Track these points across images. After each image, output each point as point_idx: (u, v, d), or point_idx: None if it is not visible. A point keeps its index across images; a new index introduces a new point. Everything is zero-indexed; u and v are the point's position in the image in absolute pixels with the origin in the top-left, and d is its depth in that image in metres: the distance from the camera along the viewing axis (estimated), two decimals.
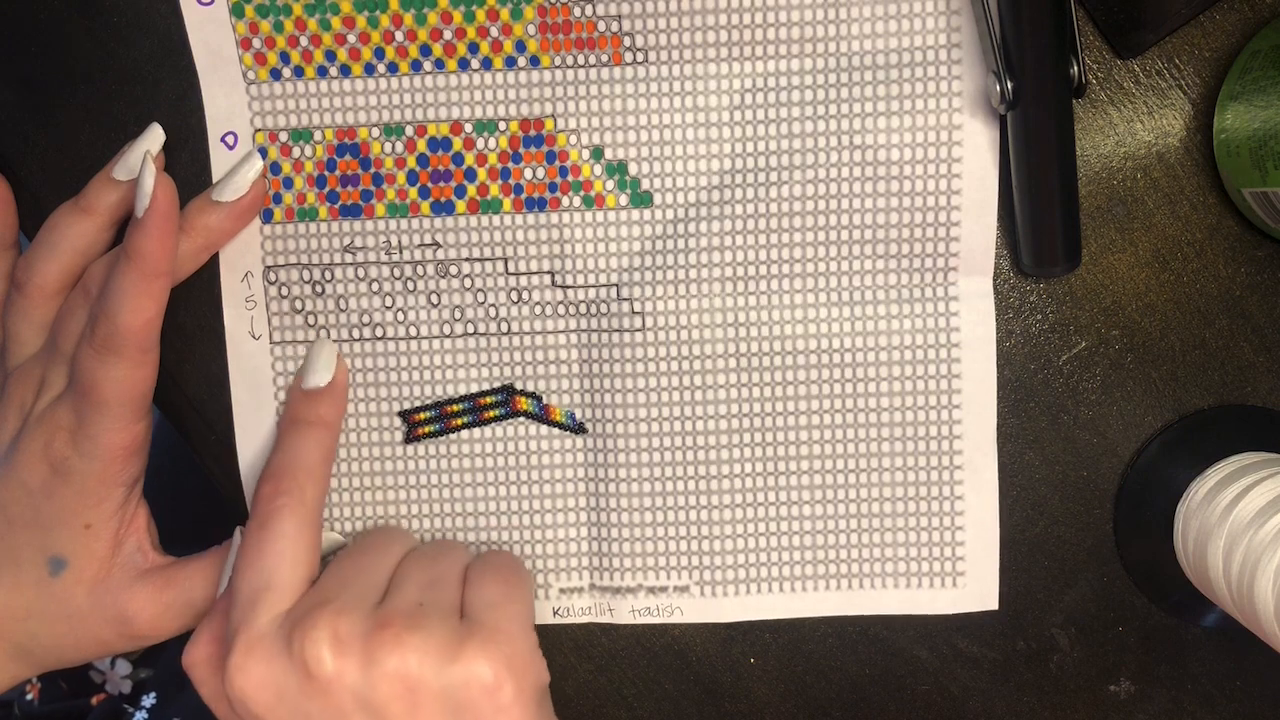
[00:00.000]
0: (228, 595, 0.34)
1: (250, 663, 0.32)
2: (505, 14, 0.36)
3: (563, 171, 0.37)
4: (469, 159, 0.37)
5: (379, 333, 0.38)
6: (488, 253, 0.38)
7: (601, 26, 0.36)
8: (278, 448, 0.36)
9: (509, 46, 0.36)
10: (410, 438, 0.39)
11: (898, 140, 0.36)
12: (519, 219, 0.37)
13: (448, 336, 0.38)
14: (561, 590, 0.39)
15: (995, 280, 0.37)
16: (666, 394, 0.38)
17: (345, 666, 0.31)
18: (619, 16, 0.36)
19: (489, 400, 0.39)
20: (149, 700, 0.59)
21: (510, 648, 0.32)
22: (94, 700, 0.60)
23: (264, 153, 0.37)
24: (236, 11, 0.36)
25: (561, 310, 0.38)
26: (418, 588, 0.34)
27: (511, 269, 0.38)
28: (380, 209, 0.38)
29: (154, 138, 0.36)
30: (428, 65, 0.37)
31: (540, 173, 0.37)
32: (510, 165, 0.37)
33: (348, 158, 0.37)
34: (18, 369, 0.37)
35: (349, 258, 0.38)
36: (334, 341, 0.38)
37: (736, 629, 0.40)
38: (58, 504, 0.36)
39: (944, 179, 0.36)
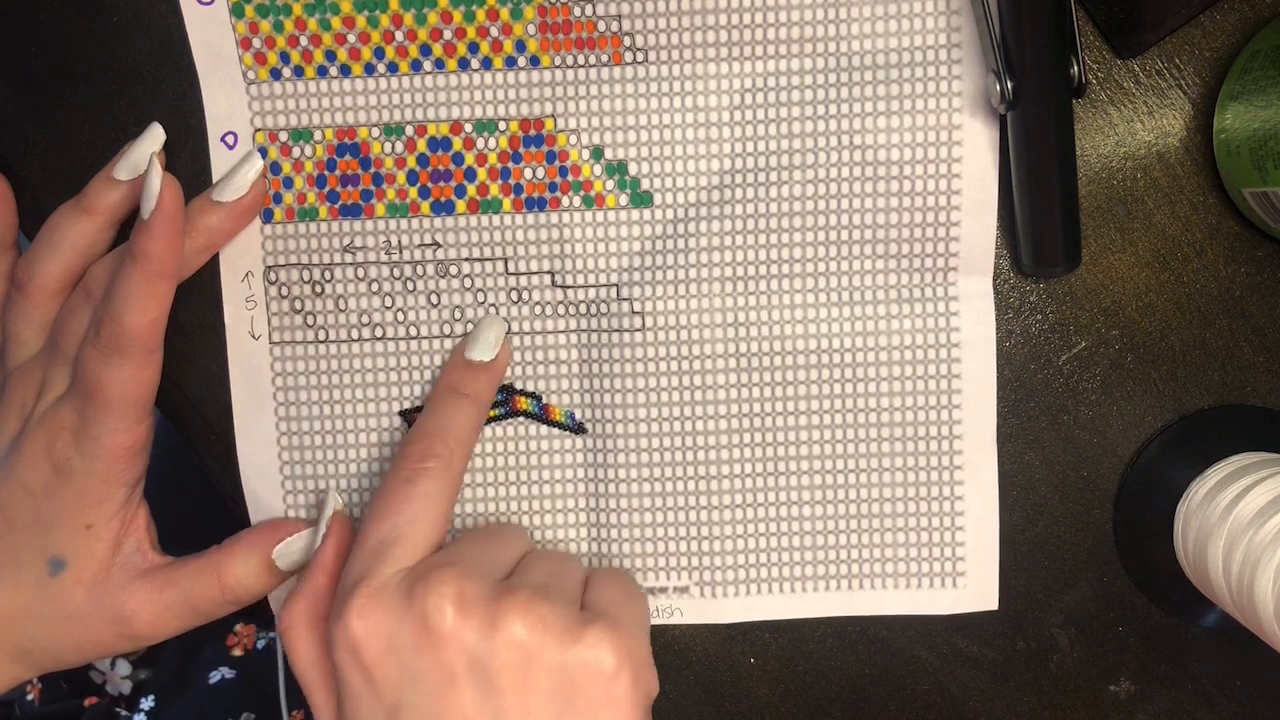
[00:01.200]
0: (326, 552, 0.35)
1: (370, 608, 0.31)
2: (505, 14, 0.36)
3: (563, 171, 0.37)
4: (469, 159, 0.37)
5: (379, 333, 0.38)
6: (488, 253, 0.38)
7: (601, 26, 0.36)
8: (431, 411, 0.36)
9: (509, 46, 0.36)
10: None
11: (898, 140, 0.36)
12: (519, 219, 0.37)
13: (448, 336, 0.38)
14: None
15: (995, 280, 0.37)
16: (666, 394, 0.38)
17: (466, 626, 0.30)
18: (619, 16, 0.36)
19: None
20: (147, 703, 0.59)
21: (633, 642, 0.32)
22: (87, 703, 0.60)
23: (264, 152, 0.37)
24: (236, 11, 0.36)
25: (561, 310, 0.38)
26: (543, 573, 0.34)
27: (511, 269, 0.38)
28: (380, 209, 0.38)
29: (154, 138, 0.36)
30: (428, 65, 0.37)
31: (540, 173, 0.37)
32: (510, 165, 0.37)
33: (348, 158, 0.37)
34: (18, 369, 0.37)
35: (349, 258, 0.38)
36: (504, 323, 0.38)
37: (736, 629, 0.40)
38: (59, 504, 0.36)
39: (944, 179, 0.36)
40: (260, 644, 0.61)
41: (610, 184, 0.37)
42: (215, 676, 0.60)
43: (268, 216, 0.38)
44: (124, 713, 0.59)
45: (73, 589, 0.36)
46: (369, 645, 0.31)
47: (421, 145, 0.37)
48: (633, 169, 0.37)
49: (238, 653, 0.61)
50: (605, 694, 0.31)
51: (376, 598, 0.31)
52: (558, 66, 0.36)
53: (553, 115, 0.37)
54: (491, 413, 0.39)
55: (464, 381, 0.37)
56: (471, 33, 0.36)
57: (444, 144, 0.37)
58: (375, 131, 0.37)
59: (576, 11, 0.36)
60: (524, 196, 0.37)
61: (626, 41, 0.36)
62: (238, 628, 0.61)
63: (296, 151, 0.37)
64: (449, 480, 0.34)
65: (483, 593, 0.31)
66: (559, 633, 0.31)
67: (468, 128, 0.37)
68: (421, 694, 0.31)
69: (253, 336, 0.39)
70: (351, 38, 0.37)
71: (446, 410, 0.36)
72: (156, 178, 0.34)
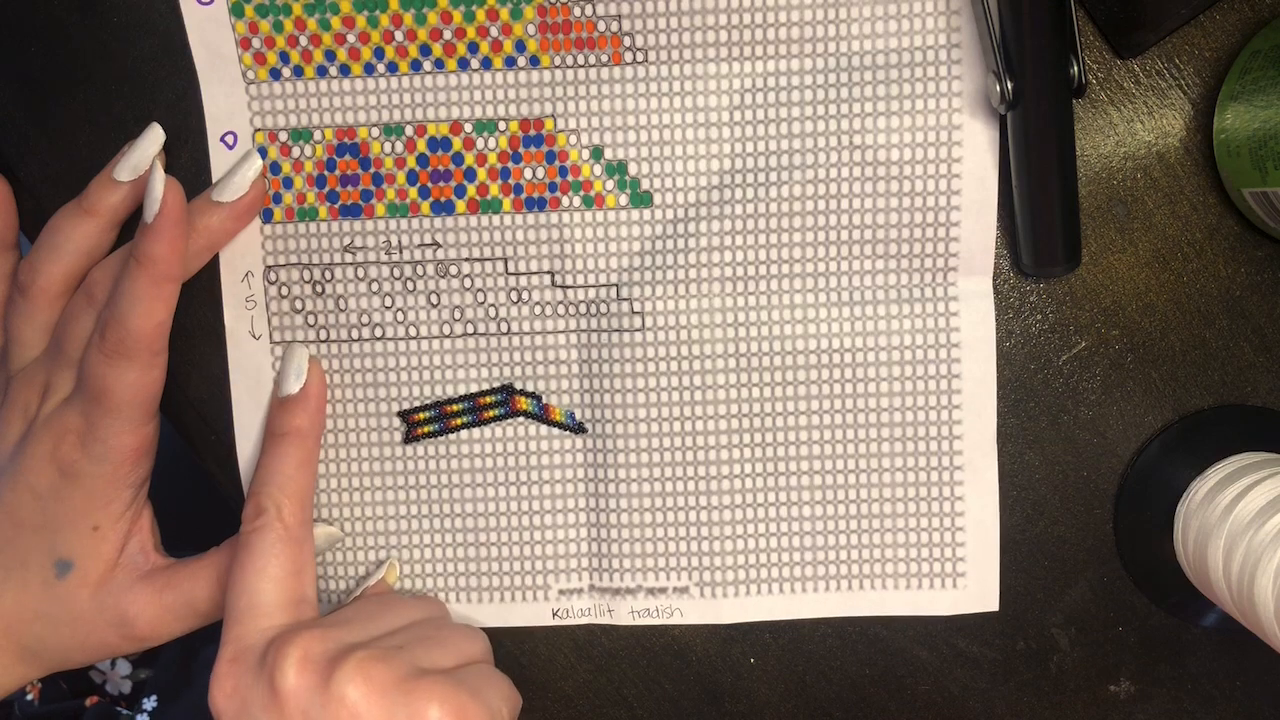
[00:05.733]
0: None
1: (227, 674, 0.32)
2: (505, 14, 0.36)
3: (563, 171, 0.37)
4: (469, 159, 0.37)
5: (379, 333, 0.38)
6: (488, 253, 0.38)
7: (601, 26, 0.36)
8: (258, 463, 0.37)
9: (509, 46, 0.36)
10: (410, 438, 0.39)
11: (898, 140, 0.36)
12: (519, 219, 0.37)
13: (448, 336, 0.38)
14: (561, 591, 0.39)
15: (995, 280, 0.37)
16: (666, 394, 0.38)
17: (302, 685, 0.31)
18: (619, 16, 0.36)
19: (489, 400, 0.39)
20: (150, 703, 0.59)
21: (468, 701, 0.32)
22: (88, 702, 0.60)
23: (264, 152, 0.37)
24: (236, 11, 0.36)
25: (561, 310, 0.38)
26: (413, 639, 0.34)
27: (511, 269, 0.38)
28: (380, 209, 0.38)
29: (154, 138, 0.36)
30: (427, 65, 0.37)
31: (540, 173, 0.37)
32: (510, 165, 0.37)
33: (348, 158, 0.37)
34: (21, 372, 0.37)
35: (349, 258, 0.38)
36: (306, 346, 0.38)
37: (736, 629, 0.40)
38: (65, 507, 0.36)
39: (944, 179, 0.36)
40: None
41: (610, 184, 0.37)
42: None
43: (268, 216, 0.38)
44: (125, 712, 0.59)
45: (78, 591, 0.36)
46: (226, 707, 0.32)
47: (421, 145, 0.37)
48: (633, 169, 0.37)
49: None
50: None
51: (235, 664, 0.32)
52: (558, 66, 0.36)
53: (553, 115, 0.37)
54: (491, 413, 0.39)
55: (280, 421, 0.37)
56: (471, 33, 0.36)
57: (444, 144, 0.37)
58: (375, 131, 0.37)
59: (576, 11, 0.36)
60: (524, 196, 0.37)
61: (626, 41, 0.36)
62: None
63: (296, 151, 0.37)
64: (281, 532, 0.35)
65: (328, 652, 0.32)
66: (388, 690, 0.31)
67: (468, 128, 0.37)
68: None
69: (253, 336, 0.39)
70: (351, 38, 0.37)
71: (267, 459, 0.36)
72: (159, 180, 0.34)
